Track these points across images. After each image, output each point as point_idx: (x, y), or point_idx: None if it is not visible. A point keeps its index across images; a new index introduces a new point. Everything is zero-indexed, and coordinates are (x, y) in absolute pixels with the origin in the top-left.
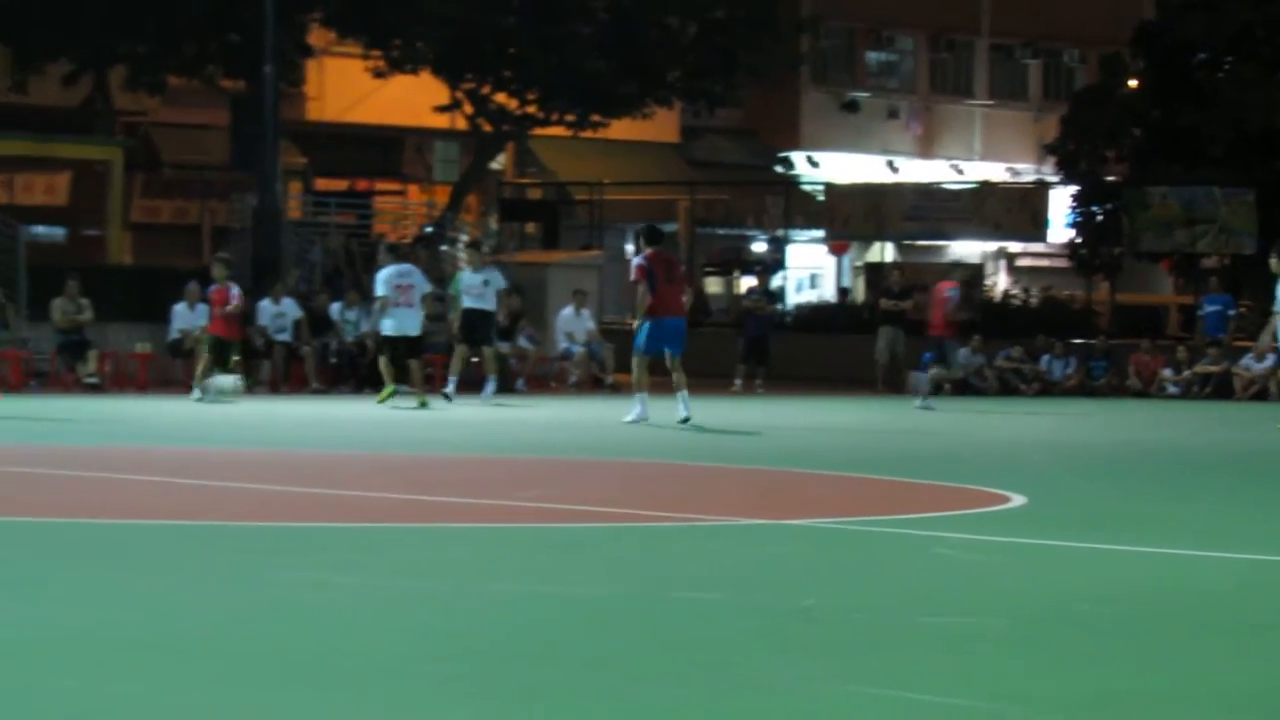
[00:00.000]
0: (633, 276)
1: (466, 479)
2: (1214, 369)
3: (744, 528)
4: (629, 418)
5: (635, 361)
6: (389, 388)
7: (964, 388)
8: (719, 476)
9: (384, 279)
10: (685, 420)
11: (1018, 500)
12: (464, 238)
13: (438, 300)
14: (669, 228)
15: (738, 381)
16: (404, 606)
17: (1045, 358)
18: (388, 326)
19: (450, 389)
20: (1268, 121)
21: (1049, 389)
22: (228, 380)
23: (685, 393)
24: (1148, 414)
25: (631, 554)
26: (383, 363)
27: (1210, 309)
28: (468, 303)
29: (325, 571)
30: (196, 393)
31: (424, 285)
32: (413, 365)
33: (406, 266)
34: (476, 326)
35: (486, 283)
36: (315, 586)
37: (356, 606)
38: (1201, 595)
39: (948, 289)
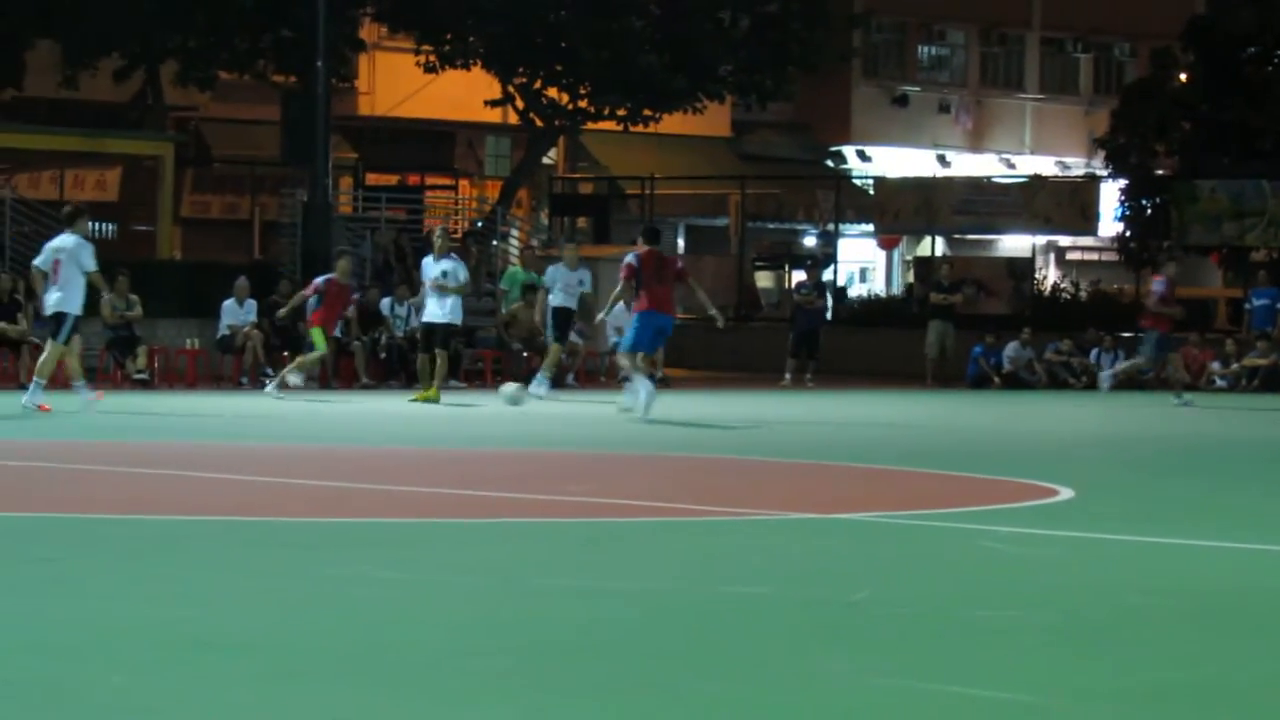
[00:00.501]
0: (621, 275)
1: (515, 474)
2: (1262, 362)
3: (792, 522)
4: (628, 403)
5: (623, 357)
6: (436, 391)
7: (1013, 381)
8: (767, 471)
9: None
10: (628, 411)
11: (1066, 493)
12: (515, 233)
13: (488, 295)
14: (720, 222)
15: (788, 376)
16: (454, 602)
17: (1094, 351)
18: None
19: (543, 389)
20: None
21: (1096, 381)
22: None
23: (653, 389)
24: (1196, 407)
25: (680, 549)
26: (444, 358)
27: (1258, 302)
28: (559, 300)
29: (376, 567)
30: (297, 378)
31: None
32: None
33: None
34: (566, 324)
35: (581, 282)
36: (366, 582)
37: (407, 602)
38: (1254, 589)
39: (1155, 281)
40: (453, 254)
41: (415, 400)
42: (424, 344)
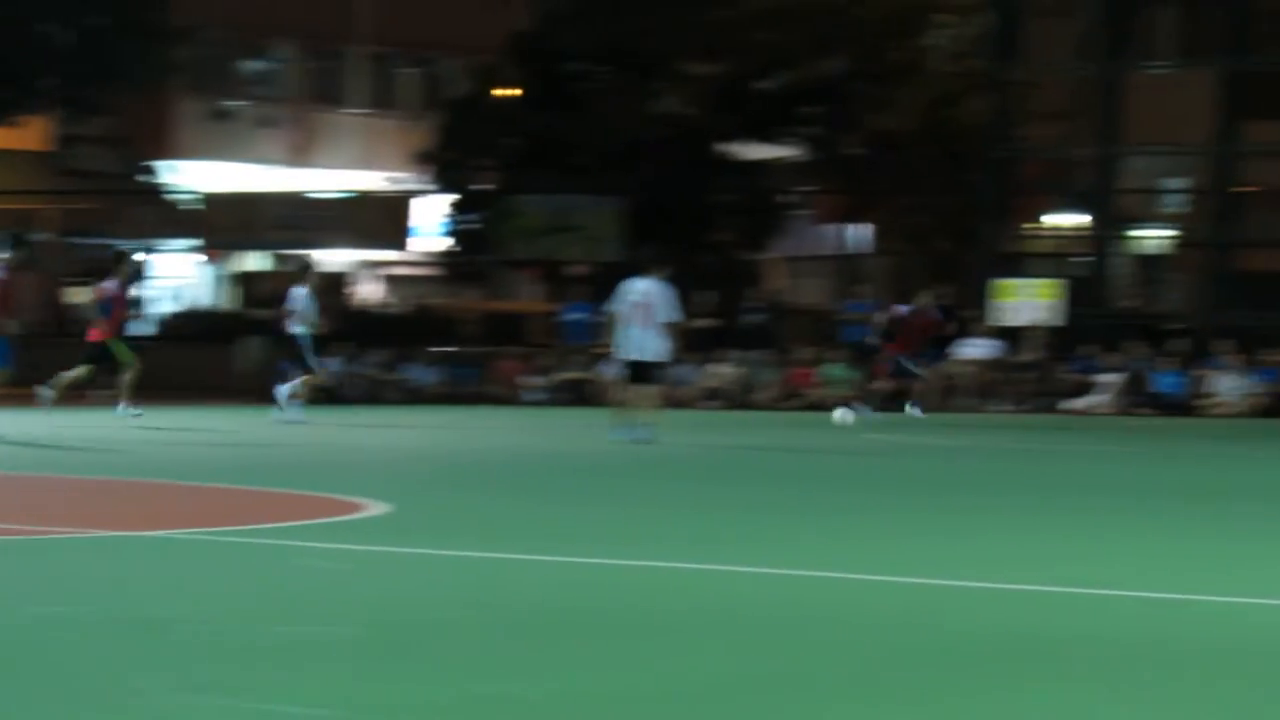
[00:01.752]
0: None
1: None
2: (577, 376)
3: (98, 540)
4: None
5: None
6: None
7: (331, 396)
8: (72, 489)
9: None
10: None
11: (382, 508)
12: None
13: None
14: (38, 237)
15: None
16: None
17: (413, 365)
18: None
19: None
20: (635, 132)
21: (417, 397)
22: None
23: None
24: (514, 420)
25: None
26: None
27: (573, 317)
28: None
29: None
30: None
31: None
32: None
33: None
34: None
35: None
36: None
37: None
38: (568, 599)
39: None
40: None
41: None
42: None
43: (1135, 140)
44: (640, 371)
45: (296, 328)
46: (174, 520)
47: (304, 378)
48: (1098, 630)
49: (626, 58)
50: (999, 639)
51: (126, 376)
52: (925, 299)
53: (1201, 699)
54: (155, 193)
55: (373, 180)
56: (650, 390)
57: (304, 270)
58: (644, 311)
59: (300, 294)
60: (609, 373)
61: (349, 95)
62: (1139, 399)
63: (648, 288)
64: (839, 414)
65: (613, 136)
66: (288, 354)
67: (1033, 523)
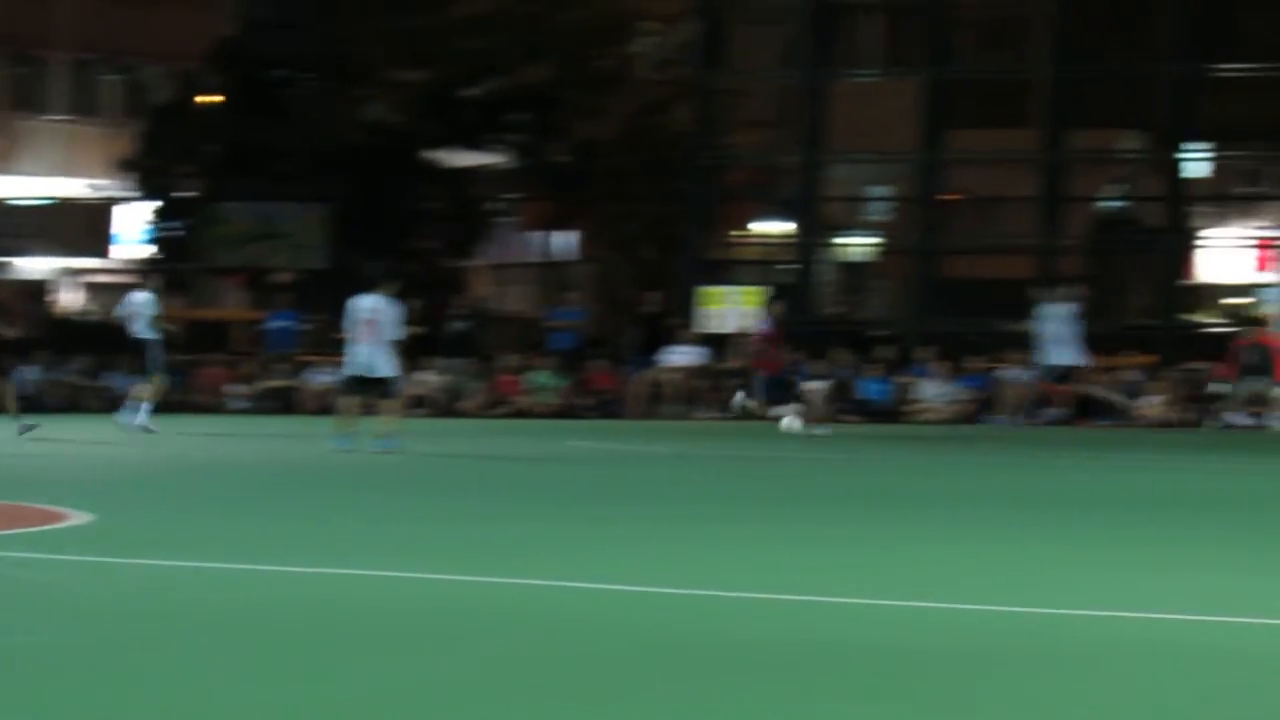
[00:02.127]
0: None
1: None
2: (282, 384)
3: None
4: None
5: None
6: None
7: (31, 405)
8: None
9: None
10: None
11: (85, 518)
12: None
13: None
14: None
15: None
16: None
17: (114, 373)
18: None
19: None
20: (341, 138)
21: (118, 405)
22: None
23: None
24: (217, 429)
25: None
26: None
27: (277, 324)
28: None
29: None
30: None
31: None
32: None
33: None
34: None
35: None
36: None
37: None
38: (272, 607)
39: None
40: None
41: None
42: None
43: (840, 148)
44: (374, 387)
45: (145, 333)
46: None
47: (153, 381)
48: (796, 634)
49: (332, 64)
50: (706, 644)
51: None
52: (777, 309)
53: (912, 699)
54: None
55: (74, 187)
56: (389, 404)
57: (148, 273)
58: (372, 329)
59: (141, 298)
60: (317, 381)
61: (50, 101)
62: (845, 406)
63: (376, 304)
64: (786, 422)
65: (318, 143)
66: (138, 361)
67: (739, 532)
